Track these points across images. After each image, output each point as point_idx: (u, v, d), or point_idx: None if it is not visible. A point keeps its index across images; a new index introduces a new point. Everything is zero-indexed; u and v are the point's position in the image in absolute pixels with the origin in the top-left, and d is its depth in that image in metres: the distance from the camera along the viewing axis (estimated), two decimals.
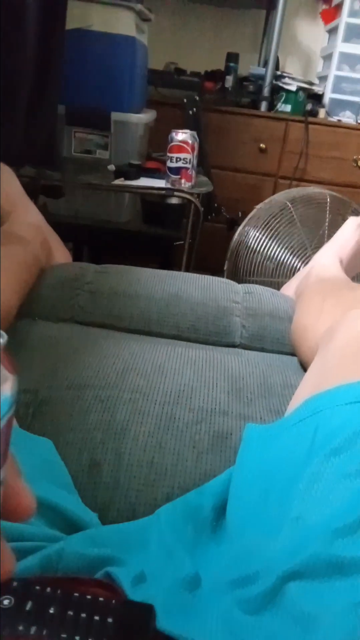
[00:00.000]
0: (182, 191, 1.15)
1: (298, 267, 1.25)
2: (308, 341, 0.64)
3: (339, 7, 1.95)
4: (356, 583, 0.29)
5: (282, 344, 0.74)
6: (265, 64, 1.95)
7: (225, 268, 1.33)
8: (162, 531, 0.40)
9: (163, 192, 1.16)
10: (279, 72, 2.00)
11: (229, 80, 1.94)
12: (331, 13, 2.11)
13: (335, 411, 0.42)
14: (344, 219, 1.02)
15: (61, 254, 0.91)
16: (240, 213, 1.41)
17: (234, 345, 0.74)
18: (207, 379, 0.63)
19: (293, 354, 0.72)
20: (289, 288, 0.97)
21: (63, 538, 0.37)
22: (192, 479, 0.49)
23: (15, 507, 0.19)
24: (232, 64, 1.93)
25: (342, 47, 1.90)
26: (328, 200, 1.32)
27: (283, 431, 0.45)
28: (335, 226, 1.07)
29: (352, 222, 0.97)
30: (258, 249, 1.28)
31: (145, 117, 1.34)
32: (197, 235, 1.24)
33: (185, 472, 0.49)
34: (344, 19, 1.87)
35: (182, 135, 1.12)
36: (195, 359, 0.67)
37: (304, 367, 0.67)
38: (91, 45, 1.19)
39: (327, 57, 2.07)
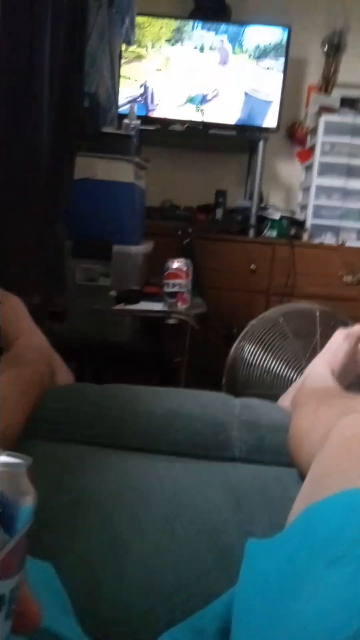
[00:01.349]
0: (179, 313, 1.23)
1: (294, 378, 1.29)
2: (304, 451, 0.65)
3: (312, 149, 2.24)
4: None
5: (281, 456, 0.75)
6: (251, 198, 2.19)
7: (223, 382, 1.37)
8: None
9: (161, 314, 1.24)
10: (263, 204, 2.22)
11: (219, 213, 2.15)
12: (306, 153, 2.41)
13: (331, 520, 0.42)
14: (334, 330, 1.08)
15: (64, 375, 0.95)
16: (235, 329, 1.48)
17: (233, 459, 0.75)
18: (207, 493, 0.63)
19: (293, 466, 0.73)
20: (285, 399, 0.99)
21: None
22: (195, 600, 0.48)
23: (24, 616, 0.20)
24: (220, 199, 2.17)
25: (317, 181, 2.14)
26: (317, 314, 1.40)
27: (282, 545, 0.45)
28: (326, 337, 1.12)
29: (340, 333, 1.03)
30: (254, 362, 1.33)
31: (143, 248, 1.48)
32: (195, 352, 1.30)
33: (187, 593, 0.48)
34: (317, 158, 2.13)
35: (177, 264, 1.24)
36: (195, 473, 0.67)
37: (303, 478, 0.67)
38: (96, 192, 1.36)
39: (306, 189, 2.31)
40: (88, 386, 0.86)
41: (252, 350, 1.34)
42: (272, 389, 1.30)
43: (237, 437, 0.77)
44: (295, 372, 1.30)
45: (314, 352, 1.29)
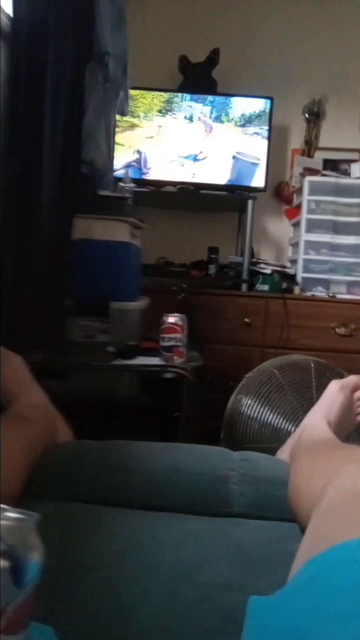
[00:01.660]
0: (175, 366, 1.25)
1: (291, 430, 1.29)
2: (303, 503, 0.65)
3: (299, 207, 2.34)
4: None
5: (282, 510, 0.75)
6: (242, 254, 2.26)
7: (221, 437, 1.36)
8: None
9: (158, 368, 1.26)
10: (254, 259, 2.30)
11: (212, 268, 2.22)
12: (293, 211, 2.52)
13: (333, 573, 0.43)
14: (330, 381, 1.10)
15: (64, 432, 0.95)
16: (231, 382, 1.50)
17: (233, 515, 0.74)
18: (208, 551, 0.63)
19: (294, 521, 0.73)
20: (284, 452, 1.00)
21: None
22: None
23: None
24: (213, 256, 2.24)
25: (305, 236, 2.22)
26: (312, 365, 1.42)
27: (285, 601, 0.45)
28: (322, 388, 1.14)
29: (334, 384, 1.05)
30: (252, 415, 1.34)
31: (140, 304, 1.52)
32: (192, 406, 1.31)
33: None
34: (304, 215, 2.23)
35: (172, 319, 1.27)
36: (196, 531, 0.67)
37: (304, 532, 0.67)
38: (94, 251, 1.42)
39: (295, 245, 2.40)
40: (88, 443, 0.87)
41: (249, 403, 1.36)
42: (271, 442, 1.30)
43: (237, 491, 0.77)
44: (292, 425, 1.31)
45: (310, 404, 1.30)
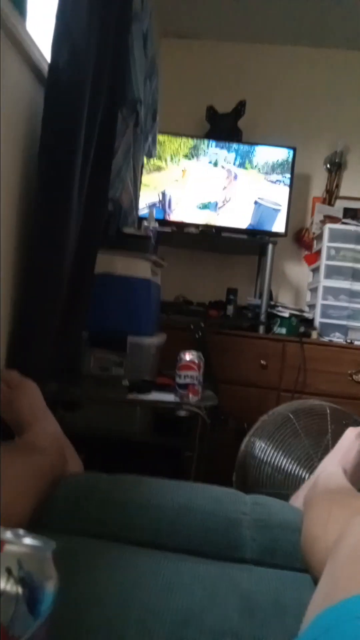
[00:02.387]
0: (190, 404, 1.24)
1: (305, 476, 1.25)
2: (318, 553, 0.63)
3: (318, 252, 2.36)
4: None
5: (294, 558, 0.72)
6: (261, 296, 2.27)
7: (233, 479, 1.33)
8: None
9: (172, 405, 1.25)
10: (273, 302, 2.31)
11: (230, 309, 2.23)
12: (313, 257, 2.54)
13: (347, 627, 0.41)
14: (346, 428, 1.08)
15: (75, 463, 0.95)
16: (245, 424, 1.48)
17: (244, 560, 0.72)
18: (217, 597, 0.60)
19: (306, 571, 0.70)
20: (297, 499, 0.97)
21: None
22: None
23: None
24: (231, 297, 2.26)
25: (324, 282, 2.23)
26: (328, 411, 1.40)
27: None
28: (337, 435, 1.11)
29: (350, 432, 1.03)
30: (265, 459, 1.31)
31: (157, 340, 1.52)
32: (205, 446, 1.29)
33: None
34: (324, 261, 2.25)
35: (189, 356, 1.27)
36: (205, 575, 0.65)
37: (316, 582, 0.64)
38: (114, 286, 1.44)
39: (314, 290, 2.41)
40: (98, 476, 0.86)
41: (262, 447, 1.33)
42: (283, 487, 1.26)
43: (249, 535, 0.75)
44: (306, 471, 1.27)
45: (325, 451, 1.27)
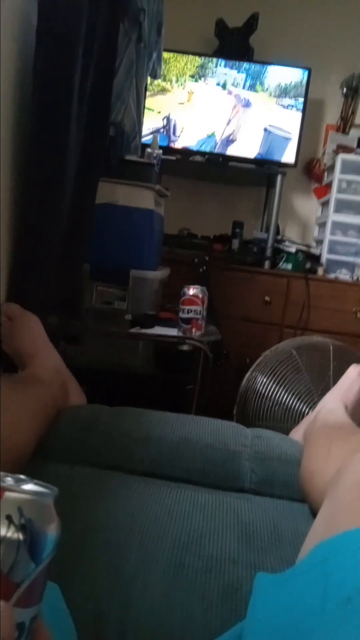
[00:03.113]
0: (193, 339, 1.24)
1: (305, 412, 1.27)
2: (316, 486, 0.64)
3: (329, 185, 2.27)
4: None
5: (291, 490, 0.74)
6: (267, 230, 2.21)
7: (234, 412, 1.35)
8: None
9: (175, 339, 1.24)
10: (279, 237, 2.25)
11: (235, 243, 2.17)
12: (322, 190, 2.44)
13: (345, 557, 0.42)
14: (348, 365, 1.07)
15: (77, 395, 0.95)
16: (247, 359, 1.48)
17: (243, 490, 0.74)
18: (216, 525, 0.62)
19: (303, 501, 0.72)
20: (297, 432, 0.98)
21: None
22: (202, 634, 0.46)
23: None
24: (237, 230, 2.19)
25: (333, 216, 2.16)
26: (331, 348, 1.39)
27: (294, 580, 0.44)
28: (339, 372, 1.12)
29: (354, 369, 1.02)
30: (266, 394, 1.32)
31: (160, 274, 1.49)
32: (207, 380, 1.29)
33: (194, 626, 0.47)
34: (334, 195, 2.16)
35: (193, 290, 1.25)
36: (205, 503, 0.66)
37: (314, 514, 0.66)
38: (116, 217, 1.39)
39: (322, 225, 2.34)
40: (100, 408, 0.86)
41: (264, 382, 1.34)
42: (284, 422, 1.28)
43: (249, 467, 0.76)
44: (307, 406, 1.29)
45: (326, 387, 1.28)
